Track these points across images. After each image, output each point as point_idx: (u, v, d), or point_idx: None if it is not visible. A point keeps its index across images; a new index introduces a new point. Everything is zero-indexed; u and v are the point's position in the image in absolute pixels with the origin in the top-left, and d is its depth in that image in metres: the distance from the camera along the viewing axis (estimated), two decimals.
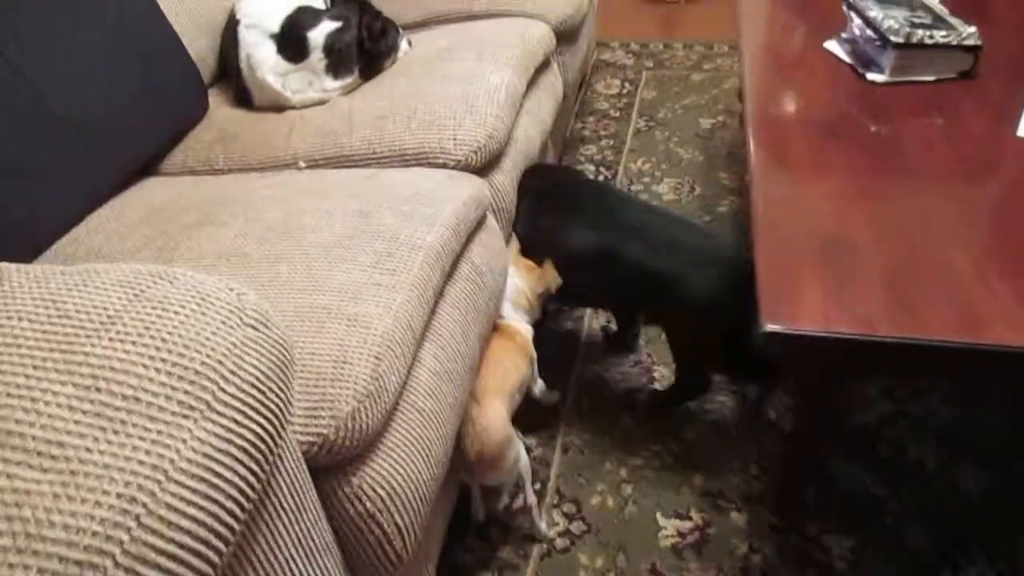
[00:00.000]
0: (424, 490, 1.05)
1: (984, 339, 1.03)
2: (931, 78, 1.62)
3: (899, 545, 1.47)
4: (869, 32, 1.66)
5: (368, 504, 0.98)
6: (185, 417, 0.65)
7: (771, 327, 1.08)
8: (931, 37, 1.59)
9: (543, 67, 1.99)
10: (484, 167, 1.56)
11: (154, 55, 1.65)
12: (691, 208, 2.39)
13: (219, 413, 0.68)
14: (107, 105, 1.52)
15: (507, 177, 1.62)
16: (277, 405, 0.74)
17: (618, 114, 2.94)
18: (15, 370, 0.66)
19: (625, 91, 3.09)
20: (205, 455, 0.65)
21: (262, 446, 0.71)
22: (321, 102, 1.76)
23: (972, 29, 1.59)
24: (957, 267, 1.14)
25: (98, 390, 0.64)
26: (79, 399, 0.64)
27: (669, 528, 1.54)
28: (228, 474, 0.67)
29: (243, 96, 1.80)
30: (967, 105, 1.57)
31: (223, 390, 0.69)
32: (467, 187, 1.42)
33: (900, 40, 1.58)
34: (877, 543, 1.47)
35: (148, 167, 1.67)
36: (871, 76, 1.64)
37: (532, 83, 1.90)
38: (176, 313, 0.72)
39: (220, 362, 0.70)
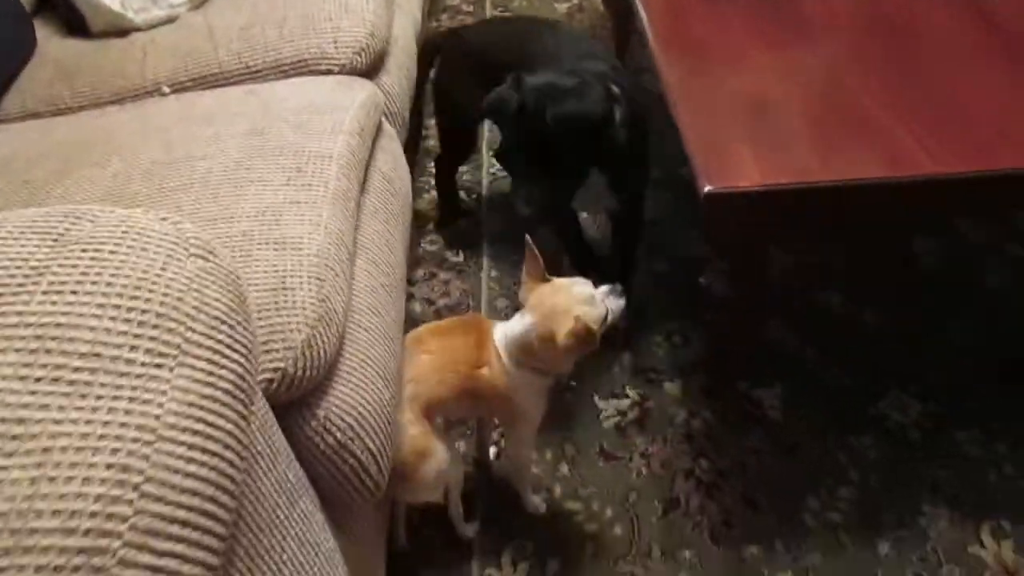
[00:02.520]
0: (389, 411, 0.99)
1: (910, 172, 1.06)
2: None
3: (823, 387, 1.54)
4: None
5: (338, 434, 0.91)
6: (159, 366, 0.57)
7: (709, 188, 1.07)
8: None
9: None
10: (370, 69, 1.45)
11: None
12: None
13: (195, 356, 0.59)
14: None
15: (394, 79, 1.52)
16: (246, 338, 0.66)
17: (471, 7, 2.83)
18: None
19: None
20: (191, 404, 0.57)
21: (244, 384, 0.63)
22: (169, 20, 1.57)
23: None
24: (872, 112, 1.16)
25: (48, 352, 0.54)
26: (28, 366, 0.53)
27: (609, 409, 1.55)
28: (220, 421, 0.59)
29: (76, 23, 1.58)
30: None
31: (192, 330, 0.60)
32: (359, 91, 1.32)
33: None
34: (804, 389, 1.54)
35: None
36: None
37: None
38: (113, 253, 0.61)
39: (180, 299, 0.61)
